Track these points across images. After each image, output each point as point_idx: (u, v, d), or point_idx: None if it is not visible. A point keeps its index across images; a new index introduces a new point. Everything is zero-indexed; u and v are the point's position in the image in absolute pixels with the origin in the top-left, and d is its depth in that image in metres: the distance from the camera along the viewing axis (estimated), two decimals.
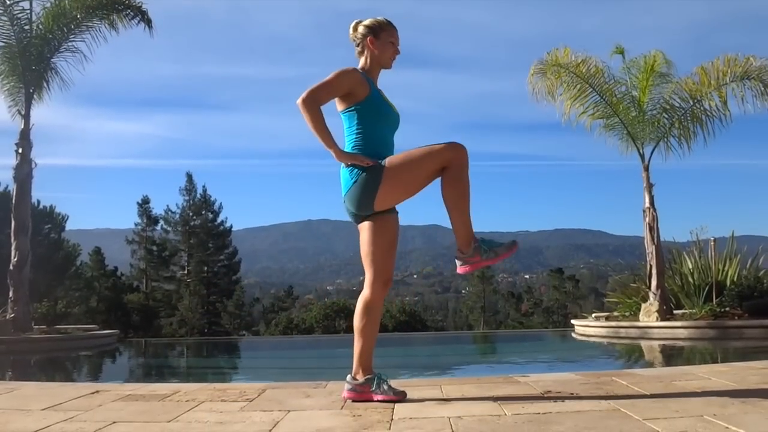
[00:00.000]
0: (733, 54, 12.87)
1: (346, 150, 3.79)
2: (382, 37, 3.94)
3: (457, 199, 3.73)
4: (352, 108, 3.81)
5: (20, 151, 13.78)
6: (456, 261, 3.80)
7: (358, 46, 4.00)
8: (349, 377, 3.78)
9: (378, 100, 3.84)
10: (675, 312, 13.01)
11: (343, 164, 3.78)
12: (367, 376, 3.74)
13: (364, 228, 3.85)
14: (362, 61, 3.98)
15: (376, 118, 3.83)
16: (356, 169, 3.72)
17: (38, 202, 31.53)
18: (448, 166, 3.66)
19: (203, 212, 46.10)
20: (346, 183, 3.77)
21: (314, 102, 3.62)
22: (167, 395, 4.12)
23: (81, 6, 13.80)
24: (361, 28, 3.97)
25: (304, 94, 3.61)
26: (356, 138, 3.80)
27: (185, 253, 45.70)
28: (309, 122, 3.62)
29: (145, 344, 19.07)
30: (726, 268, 14.02)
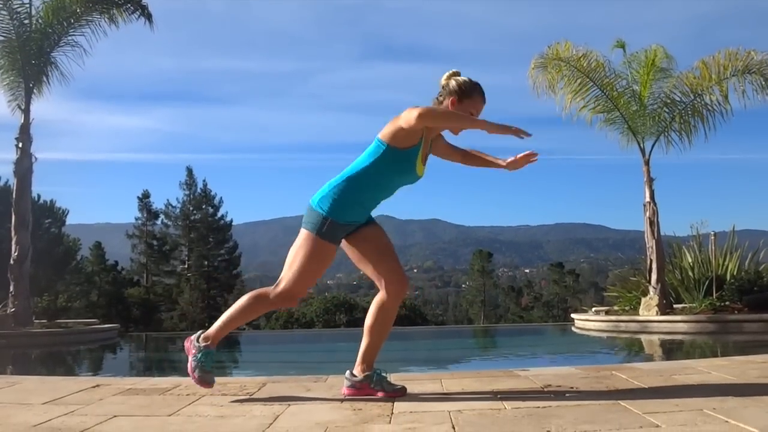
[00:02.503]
0: (734, 48, 12.86)
1: (348, 172, 3.73)
2: (465, 103, 3.75)
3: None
4: (387, 145, 3.65)
5: (20, 145, 13.77)
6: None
7: (440, 95, 3.83)
8: (348, 373, 3.77)
9: (412, 159, 3.69)
10: (675, 306, 13.01)
11: (333, 180, 3.73)
12: (365, 373, 3.73)
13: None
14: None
15: (395, 171, 3.71)
16: (326, 204, 3.65)
17: (38, 196, 31.53)
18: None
19: (203, 206, 46.15)
20: (315, 198, 3.74)
21: (427, 109, 3.56)
22: (168, 389, 4.12)
23: (81, 0, 13.78)
24: (452, 83, 3.79)
25: (419, 110, 3.49)
26: (364, 168, 3.68)
27: (185, 248, 45.77)
28: (446, 121, 3.66)
29: (146, 338, 19.08)
30: (726, 263, 14.01)
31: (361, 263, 3.84)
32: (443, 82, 3.84)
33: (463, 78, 3.81)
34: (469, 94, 3.77)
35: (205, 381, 3.77)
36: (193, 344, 3.80)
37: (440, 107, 3.71)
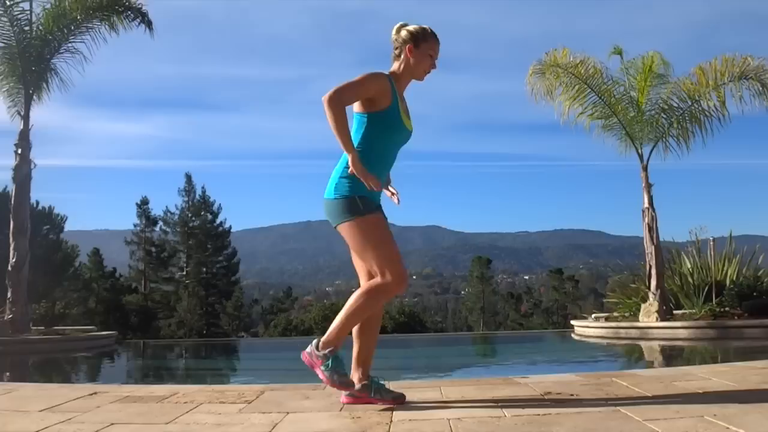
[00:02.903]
0: (730, 54, 12.87)
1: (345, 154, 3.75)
2: (422, 47, 3.84)
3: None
4: (367, 115, 3.73)
5: (19, 151, 13.76)
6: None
7: (396, 49, 3.89)
8: None
9: (394, 116, 3.75)
10: (675, 312, 13.00)
11: (339, 167, 3.72)
12: (363, 381, 3.71)
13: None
14: (395, 65, 3.89)
15: (386, 132, 3.76)
16: (343, 188, 3.64)
17: (37, 202, 31.52)
18: (384, 287, 3.62)
19: (202, 213, 46.18)
20: (329, 191, 3.70)
21: (339, 102, 3.52)
22: (165, 397, 4.11)
23: (81, 7, 13.78)
24: (404, 33, 3.87)
25: (330, 92, 3.51)
26: (359, 144, 3.70)
27: (184, 254, 45.76)
28: (331, 122, 3.52)
29: (144, 345, 19.07)
30: (725, 268, 14.02)
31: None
32: (394, 36, 3.91)
33: (413, 26, 3.89)
34: (424, 38, 3.86)
35: (346, 384, 3.64)
36: (314, 356, 3.64)
37: (339, 116, 3.54)
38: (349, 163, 3.55)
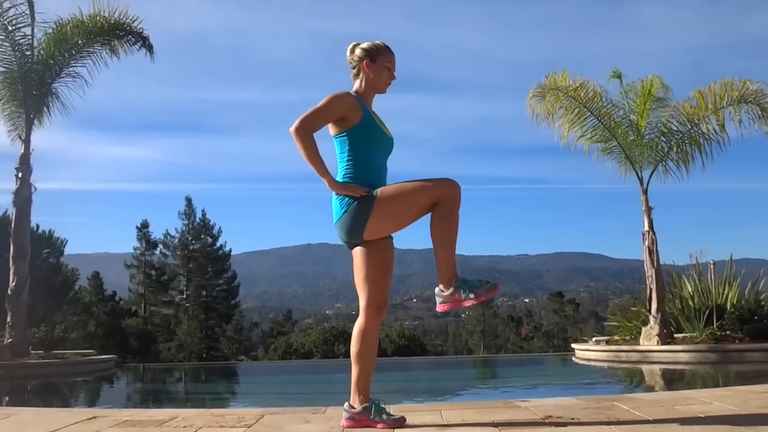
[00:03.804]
0: (729, 78, 12.95)
1: (338, 177, 3.79)
2: (378, 61, 3.93)
3: (446, 235, 3.72)
4: (344, 133, 3.79)
5: (20, 175, 13.80)
6: (436, 298, 3.77)
7: (354, 68, 3.99)
8: (346, 405, 3.76)
9: (371, 125, 3.81)
10: (675, 336, 12.96)
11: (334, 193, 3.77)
12: (364, 405, 3.71)
13: (357, 254, 3.83)
14: (357, 84, 3.97)
15: (368, 144, 3.81)
16: (347, 198, 3.69)
17: (37, 226, 31.42)
18: (440, 201, 3.64)
19: (202, 236, 46.10)
20: (337, 211, 3.75)
21: (307, 130, 3.61)
22: (165, 421, 4.10)
23: (82, 32, 13.88)
24: (358, 51, 3.96)
25: (296, 123, 3.60)
26: (348, 164, 3.78)
27: (184, 278, 45.64)
28: (301, 151, 3.62)
29: (143, 369, 18.99)
30: (726, 292, 13.99)
31: (362, 272, 3.82)
32: (349, 57, 4.01)
33: (365, 43, 4.00)
34: (378, 52, 3.96)
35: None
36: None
37: (309, 144, 3.64)
38: (327, 187, 3.67)
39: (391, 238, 3.92)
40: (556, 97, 13.65)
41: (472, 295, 3.67)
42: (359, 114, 3.77)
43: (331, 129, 3.82)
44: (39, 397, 9.74)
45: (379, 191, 3.67)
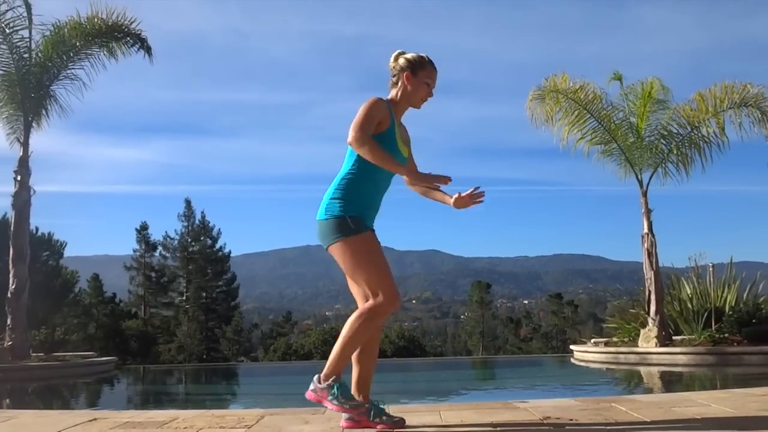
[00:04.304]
0: (730, 81, 12.96)
1: (340, 176, 3.79)
2: (419, 75, 3.86)
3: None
4: None
5: (19, 178, 13.80)
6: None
7: (393, 77, 3.92)
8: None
9: (390, 140, 3.77)
10: (674, 338, 12.98)
11: (330, 189, 3.77)
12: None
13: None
14: (393, 92, 3.92)
15: None
16: (334, 208, 3.68)
17: (36, 229, 31.42)
18: (376, 308, 3.63)
19: (202, 238, 46.14)
20: (320, 213, 3.74)
21: (365, 136, 3.56)
22: (165, 422, 4.11)
23: (80, 34, 13.87)
24: (401, 60, 3.90)
25: (352, 134, 3.55)
26: (353, 168, 3.75)
27: (184, 279, 45.67)
28: (369, 156, 3.56)
29: (144, 371, 19.01)
30: (725, 294, 13.99)
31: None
32: (392, 64, 3.94)
33: (410, 54, 3.92)
34: (421, 65, 3.88)
35: (358, 406, 3.67)
36: (318, 390, 3.68)
37: (374, 146, 3.59)
38: (407, 180, 3.69)
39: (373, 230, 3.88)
40: (555, 100, 13.65)
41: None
42: (385, 125, 3.74)
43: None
44: (40, 399, 9.74)
45: (350, 240, 3.64)
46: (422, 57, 3.91)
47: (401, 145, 3.87)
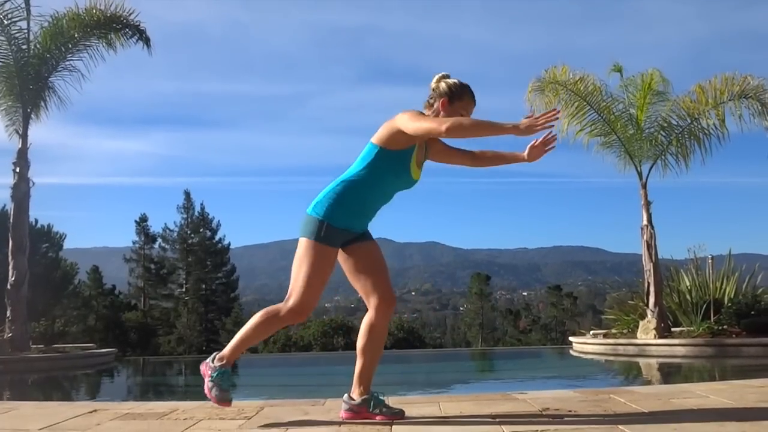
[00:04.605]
0: (730, 73, 12.96)
1: (346, 175, 3.76)
2: (455, 105, 3.78)
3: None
4: (380, 148, 3.69)
5: (18, 170, 13.80)
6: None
7: (431, 98, 3.87)
8: (346, 396, 3.76)
9: (405, 160, 3.72)
10: (673, 329, 13.00)
11: (329, 187, 3.75)
12: (363, 397, 3.72)
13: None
14: (426, 112, 3.84)
15: (388, 173, 3.73)
16: (321, 209, 3.67)
17: (36, 221, 31.43)
18: (281, 313, 3.72)
19: (201, 230, 46.12)
20: (310, 206, 3.75)
21: (454, 121, 3.53)
22: (165, 413, 4.12)
23: (79, 25, 13.86)
24: (443, 85, 3.83)
25: (445, 126, 3.49)
26: (360, 173, 3.72)
27: (183, 271, 45.67)
28: (473, 133, 3.59)
29: (143, 362, 19.04)
30: (724, 286, 14.02)
31: (352, 276, 3.84)
32: (434, 85, 3.88)
33: (453, 80, 3.86)
34: (459, 95, 3.81)
35: (223, 399, 3.75)
36: (208, 366, 3.79)
37: (466, 118, 3.67)
38: (521, 127, 3.49)
39: (371, 239, 3.91)
40: (555, 91, 13.65)
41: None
42: (409, 143, 3.70)
43: (378, 134, 3.73)
44: (39, 390, 9.75)
45: (319, 245, 3.66)
46: (464, 87, 3.84)
47: (414, 168, 3.79)
